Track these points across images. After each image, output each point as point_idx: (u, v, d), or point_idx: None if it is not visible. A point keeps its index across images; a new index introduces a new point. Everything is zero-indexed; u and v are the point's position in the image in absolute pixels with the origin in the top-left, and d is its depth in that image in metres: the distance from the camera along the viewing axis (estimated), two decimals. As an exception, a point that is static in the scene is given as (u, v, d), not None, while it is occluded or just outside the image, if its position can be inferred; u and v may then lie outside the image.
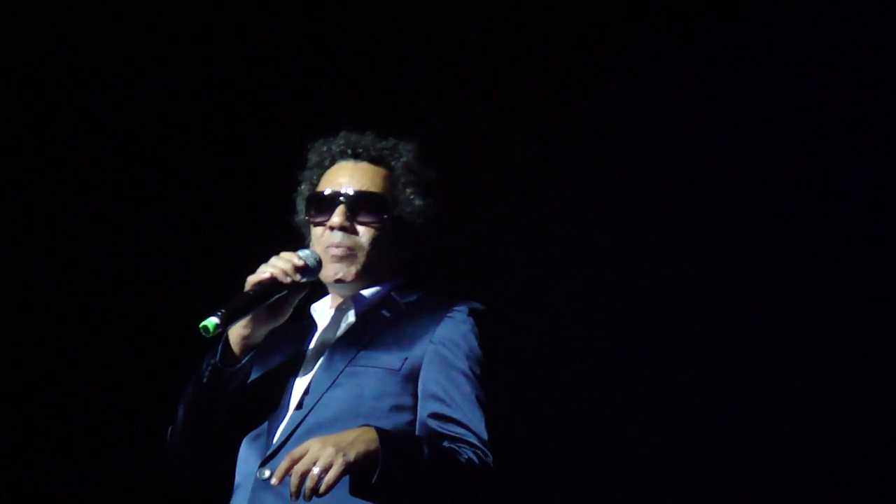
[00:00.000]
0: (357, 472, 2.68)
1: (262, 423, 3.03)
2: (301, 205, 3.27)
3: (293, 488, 2.65)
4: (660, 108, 4.48)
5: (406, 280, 3.21)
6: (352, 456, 2.67)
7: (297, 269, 3.01)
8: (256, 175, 4.63)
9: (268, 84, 4.75)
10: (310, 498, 2.64)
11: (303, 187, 3.28)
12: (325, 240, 3.12)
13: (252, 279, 2.99)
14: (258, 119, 4.72)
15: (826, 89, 4.32)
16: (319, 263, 3.09)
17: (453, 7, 4.61)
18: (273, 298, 2.99)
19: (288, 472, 2.67)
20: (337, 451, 2.65)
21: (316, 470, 2.64)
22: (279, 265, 3.00)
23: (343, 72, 4.67)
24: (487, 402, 2.95)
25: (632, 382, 4.34)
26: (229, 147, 4.75)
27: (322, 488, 2.63)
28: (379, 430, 2.74)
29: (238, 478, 3.04)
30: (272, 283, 2.98)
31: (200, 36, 4.75)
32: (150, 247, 4.78)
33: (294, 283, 3.01)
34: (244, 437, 3.06)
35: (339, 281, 3.12)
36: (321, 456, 2.65)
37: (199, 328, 2.83)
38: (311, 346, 3.15)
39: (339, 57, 4.71)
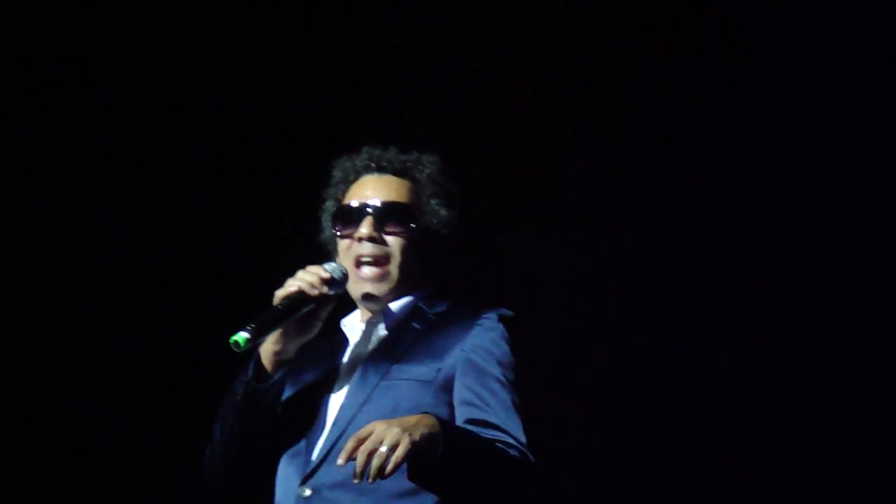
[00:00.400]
0: (420, 454, 2.66)
1: (299, 440, 3.04)
2: (327, 221, 3.27)
3: (359, 468, 2.63)
4: (680, 106, 4.48)
5: (432, 290, 3.21)
6: (417, 435, 2.66)
7: (324, 282, 3.02)
8: (281, 192, 4.66)
9: (292, 98, 4.77)
10: (374, 478, 2.63)
11: (328, 203, 3.29)
12: (354, 251, 3.13)
13: (280, 293, 3.00)
14: (286, 135, 4.74)
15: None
16: (346, 276, 3.09)
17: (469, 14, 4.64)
18: (301, 312, 3.00)
19: (354, 452, 2.65)
20: (403, 431, 2.65)
21: (383, 448, 2.62)
22: (306, 278, 3.01)
23: (366, 86, 4.69)
24: (522, 406, 2.96)
25: (657, 385, 4.33)
26: (255, 166, 4.78)
27: (389, 467, 2.62)
28: (437, 417, 2.75)
29: (278, 496, 3.05)
30: (300, 297, 2.99)
31: (228, 54, 4.80)
32: (178, 264, 4.81)
33: (322, 295, 3.02)
34: (281, 454, 3.06)
35: (370, 294, 3.13)
36: (388, 435, 2.64)
37: (229, 343, 2.85)
38: (344, 360, 3.15)
39: (364, 71, 4.73)
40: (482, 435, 2.88)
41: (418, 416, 2.73)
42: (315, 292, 3.01)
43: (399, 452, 2.62)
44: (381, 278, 3.12)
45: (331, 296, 3.06)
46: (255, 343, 2.89)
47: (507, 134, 4.55)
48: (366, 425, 2.71)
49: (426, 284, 3.21)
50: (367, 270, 3.12)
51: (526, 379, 3.00)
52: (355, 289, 3.14)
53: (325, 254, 3.28)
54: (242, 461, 3.10)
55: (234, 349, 2.86)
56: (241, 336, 2.84)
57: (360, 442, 2.66)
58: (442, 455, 2.70)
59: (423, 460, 2.69)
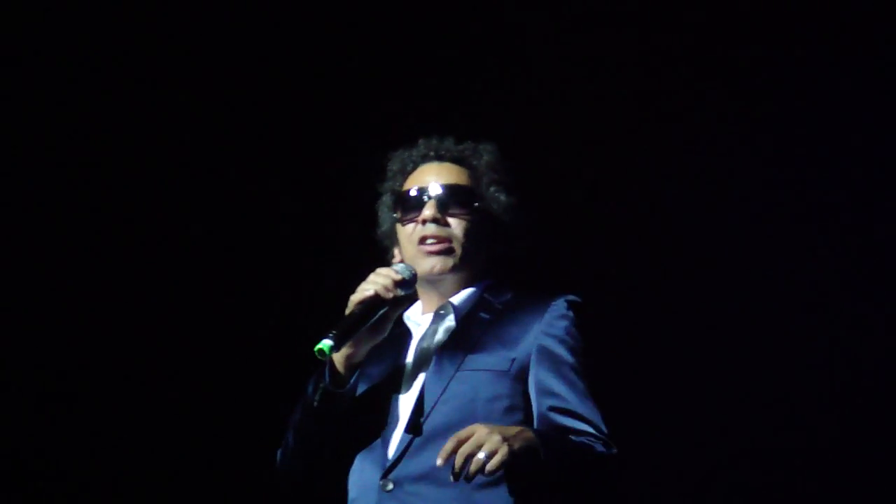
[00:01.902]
0: (517, 465, 2.71)
1: (373, 436, 3.04)
2: (385, 213, 3.27)
3: (456, 469, 2.68)
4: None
5: (495, 281, 3.21)
6: (516, 446, 2.69)
7: (397, 284, 3.03)
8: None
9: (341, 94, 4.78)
10: (471, 480, 2.68)
11: (385, 197, 3.29)
12: (417, 234, 3.14)
13: (355, 298, 3.00)
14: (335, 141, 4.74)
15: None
16: (415, 276, 3.10)
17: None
18: (377, 315, 3.01)
19: (453, 452, 2.69)
20: (503, 440, 2.68)
21: (482, 455, 2.66)
22: (380, 281, 3.01)
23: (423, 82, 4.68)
24: (598, 393, 2.99)
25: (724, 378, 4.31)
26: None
27: (486, 472, 2.66)
28: (535, 431, 2.80)
29: (354, 491, 3.05)
30: (375, 301, 2.99)
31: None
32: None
33: (395, 297, 3.03)
34: (355, 452, 3.07)
35: (435, 273, 3.13)
36: (488, 441, 2.67)
37: (314, 352, 2.86)
38: (411, 354, 3.15)
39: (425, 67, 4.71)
40: (571, 429, 2.91)
41: (519, 428, 2.77)
42: (389, 295, 3.01)
43: (496, 459, 2.66)
44: (446, 253, 3.13)
45: (403, 297, 3.07)
46: (338, 350, 2.90)
47: (563, 121, 4.54)
48: (467, 425, 2.74)
49: (488, 274, 3.21)
50: (431, 245, 3.13)
51: (597, 365, 3.02)
52: (423, 269, 3.14)
53: (382, 250, 3.28)
54: (318, 464, 3.11)
55: (319, 357, 2.87)
56: (326, 344, 2.85)
57: (461, 443, 2.69)
58: (540, 468, 2.75)
59: (519, 471, 2.74)
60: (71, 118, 4.78)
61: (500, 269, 3.23)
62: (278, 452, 3.16)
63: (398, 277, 3.04)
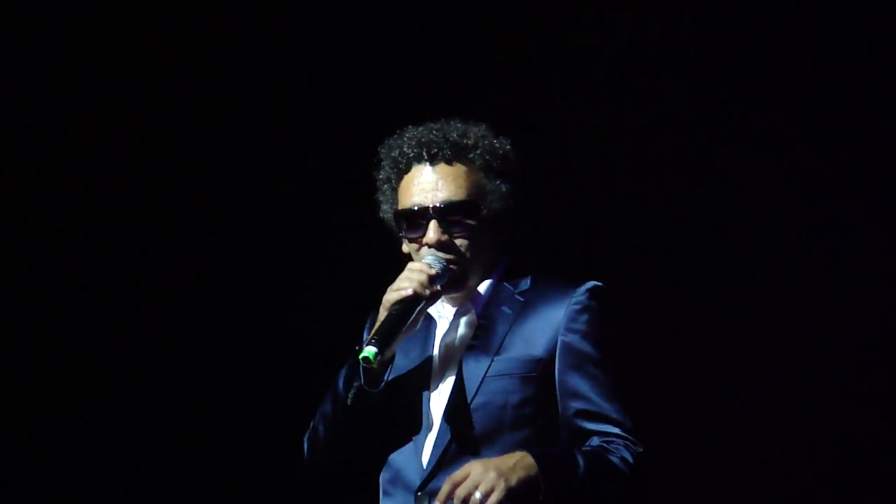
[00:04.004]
0: (518, 498, 2.74)
1: (404, 436, 3.04)
2: (386, 204, 3.19)
3: None
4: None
5: (509, 262, 3.17)
6: (513, 481, 2.74)
7: (432, 279, 2.99)
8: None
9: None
10: None
11: (384, 186, 3.19)
12: (424, 254, 3.08)
13: (392, 298, 2.96)
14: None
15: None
16: (447, 265, 3.04)
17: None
18: (415, 312, 2.97)
19: (450, 496, 2.74)
20: (498, 476, 2.72)
21: (478, 495, 2.71)
22: (415, 278, 2.97)
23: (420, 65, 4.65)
24: (626, 385, 2.99)
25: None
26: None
27: None
28: (535, 455, 2.80)
29: (392, 497, 3.04)
30: (414, 299, 2.95)
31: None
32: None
33: (432, 293, 2.99)
34: (385, 449, 3.06)
35: (448, 291, 3.09)
36: (483, 480, 2.72)
37: (360, 360, 2.84)
38: (437, 347, 3.12)
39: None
40: (594, 432, 2.93)
41: (517, 457, 2.80)
42: (427, 292, 2.97)
43: (493, 498, 2.72)
44: (455, 275, 3.07)
45: (438, 291, 3.03)
46: (382, 354, 2.87)
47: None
48: (498, 434, 2.86)
49: (502, 257, 3.17)
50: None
51: (626, 351, 3.01)
52: None
53: (389, 230, 3.22)
54: (348, 457, 3.11)
55: (365, 364, 2.85)
56: (370, 351, 2.83)
57: (456, 485, 2.74)
58: (544, 497, 2.77)
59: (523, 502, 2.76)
60: (74, 118, 4.76)
61: (515, 247, 3.19)
62: (305, 442, 3.15)
63: (432, 272, 2.99)
